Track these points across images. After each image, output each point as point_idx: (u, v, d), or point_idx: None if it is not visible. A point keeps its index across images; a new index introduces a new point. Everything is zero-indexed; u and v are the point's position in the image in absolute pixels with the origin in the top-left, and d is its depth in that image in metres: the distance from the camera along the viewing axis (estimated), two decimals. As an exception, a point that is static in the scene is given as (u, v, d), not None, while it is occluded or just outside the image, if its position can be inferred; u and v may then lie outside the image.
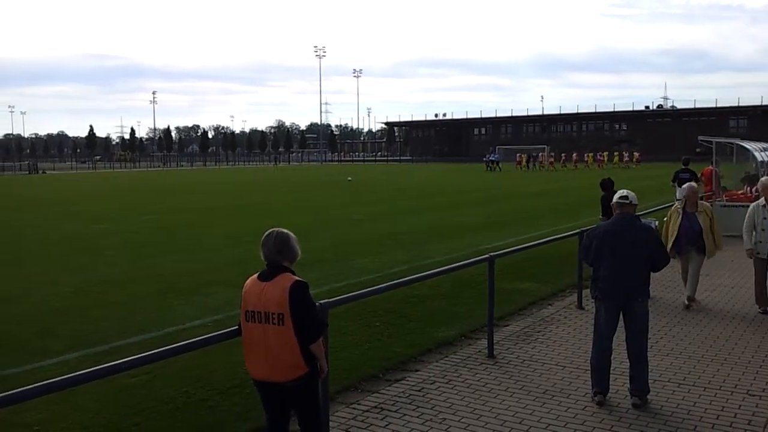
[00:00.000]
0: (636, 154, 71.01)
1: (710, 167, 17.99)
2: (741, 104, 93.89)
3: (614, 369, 6.05)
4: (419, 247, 14.84)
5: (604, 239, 5.87)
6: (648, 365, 5.86)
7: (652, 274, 5.94)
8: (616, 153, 72.24)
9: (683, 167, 17.49)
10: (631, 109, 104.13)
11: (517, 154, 68.39)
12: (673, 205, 9.88)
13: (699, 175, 17.64)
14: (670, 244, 8.97)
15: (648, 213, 12.00)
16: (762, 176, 17.38)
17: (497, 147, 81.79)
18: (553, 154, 72.03)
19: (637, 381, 5.77)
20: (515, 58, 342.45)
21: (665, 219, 9.65)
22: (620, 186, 9.12)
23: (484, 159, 67.33)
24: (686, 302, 9.06)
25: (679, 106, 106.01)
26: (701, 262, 9.20)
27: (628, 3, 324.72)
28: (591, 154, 71.22)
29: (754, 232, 8.69)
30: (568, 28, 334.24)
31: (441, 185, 40.15)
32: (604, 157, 70.11)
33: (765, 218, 8.57)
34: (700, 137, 17.77)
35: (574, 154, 69.60)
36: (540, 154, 70.05)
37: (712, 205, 15.78)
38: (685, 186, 9.50)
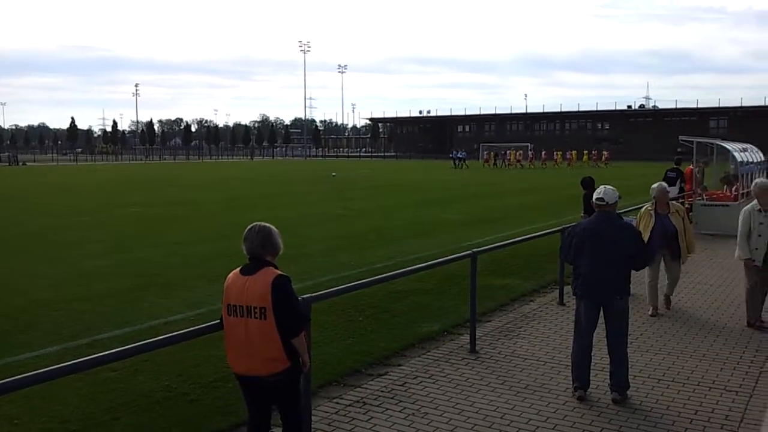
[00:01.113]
0: (605, 153, 70.27)
1: (691, 166, 18.17)
2: (722, 105, 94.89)
3: (595, 365, 6.11)
4: (403, 242, 14.87)
5: (583, 237, 5.92)
6: (628, 361, 5.93)
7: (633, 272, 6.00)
8: (585, 152, 72.03)
9: (674, 166, 17.62)
10: (613, 108, 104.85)
11: (484, 152, 67.75)
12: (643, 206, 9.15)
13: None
14: None
15: (624, 212, 12.09)
16: (740, 176, 17.73)
17: (481, 144, 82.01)
18: (521, 152, 70.42)
19: (617, 377, 5.84)
20: (501, 57, 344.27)
21: (633, 220, 9.35)
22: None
23: (451, 156, 67.35)
24: (655, 312, 8.52)
25: (661, 106, 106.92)
26: (678, 267, 8.83)
27: (614, 3, 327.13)
28: (560, 153, 70.41)
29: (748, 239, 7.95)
30: (555, 27, 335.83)
31: (424, 182, 40.21)
32: (572, 155, 69.77)
33: (761, 223, 7.82)
34: (681, 137, 17.94)
35: (543, 153, 69.21)
36: (507, 151, 69.05)
37: (692, 204, 16.01)
38: (654, 186, 8.81)
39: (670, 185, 16.64)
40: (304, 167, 67.05)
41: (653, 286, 8.63)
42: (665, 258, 8.75)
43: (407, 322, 8.37)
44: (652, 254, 8.39)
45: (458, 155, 63.56)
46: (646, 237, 8.32)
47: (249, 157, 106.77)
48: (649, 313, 8.56)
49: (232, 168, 65.39)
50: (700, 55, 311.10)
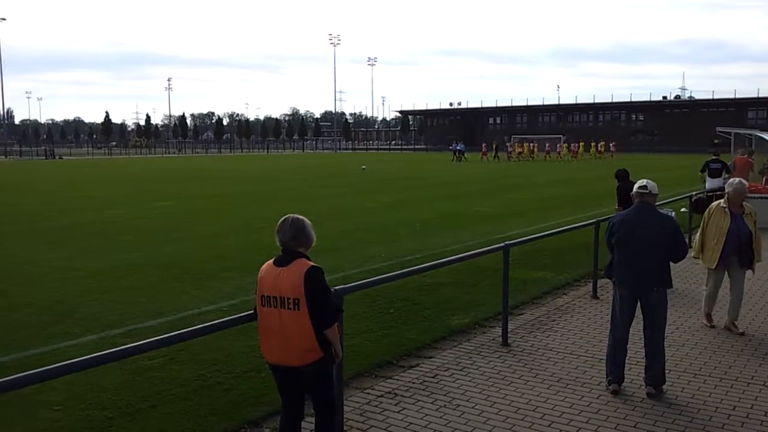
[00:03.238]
0: (612, 144, 68.51)
1: (744, 156, 17.73)
2: (760, 95, 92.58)
3: (630, 358, 6.04)
4: (433, 235, 14.84)
5: (621, 227, 5.85)
6: (664, 355, 5.84)
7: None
8: (593, 143, 70.32)
9: (713, 157, 17.21)
10: (648, 99, 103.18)
11: (483, 144, 66.15)
12: (708, 199, 8.22)
13: (730, 165, 17.35)
14: (717, 254, 7.34)
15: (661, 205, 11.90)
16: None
17: (513, 135, 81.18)
18: (525, 144, 67.57)
19: (652, 370, 5.76)
20: (532, 47, 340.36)
21: (671, 212, 9.03)
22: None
23: (451, 148, 66.42)
24: (712, 322, 7.68)
25: (697, 96, 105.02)
26: (744, 278, 7.60)
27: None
28: (566, 145, 67.96)
29: None
30: (586, 17, 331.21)
31: (453, 174, 40.04)
32: (579, 147, 66.96)
33: None
34: (718, 128, 17.59)
35: (547, 145, 66.66)
36: (508, 144, 66.36)
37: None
38: (733, 181, 7.60)
39: (714, 177, 16.30)
40: (334, 160, 67.23)
41: (713, 295, 7.66)
42: (732, 266, 7.52)
43: (438, 314, 8.36)
44: (724, 261, 7.44)
45: (457, 147, 62.71)
46: (720, 237, 7.32)
47: (265, 151, 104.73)
48: (704, 322, 7.70)
49: (264, 161, 65.87)
50: (737, 43, 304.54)
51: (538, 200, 22.94)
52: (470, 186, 30.11)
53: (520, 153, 64.20)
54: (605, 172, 37.18)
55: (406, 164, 54.91)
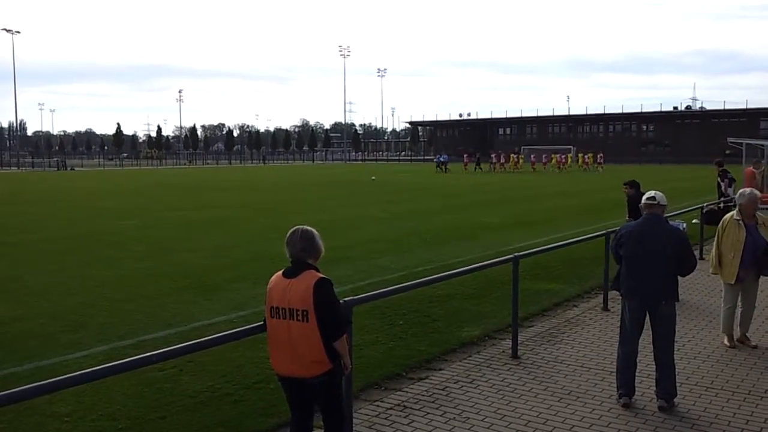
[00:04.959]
0: (600, 156, 67.21)
1: (750, 168, 17.71)
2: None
3: (641, 371, 5.99)
4: (443, 246, 14.82)
5: (629, 238, 5.82)
6: (675, 368, 5.79)
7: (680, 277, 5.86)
8: (580, 155, 69.05)
9: (721, 168, 17.19)
10: (659, 110, 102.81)
11: (465, 155, 65.73)
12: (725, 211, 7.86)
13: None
14: (736, 268, 7.14)
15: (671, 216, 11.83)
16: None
17: (522, 147, 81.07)
18: (511, 155, 66.85)
19: (663, 383, 5.71)
20: (543, 58, 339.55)
21: (681, 224, 8.82)
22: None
23: (435, 160, 66.46)
24: (734, 343, 7.34)
25: (709, 107, 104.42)
26: (758, 289, 7.50)
27: (659, 2, 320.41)
28: (555, 156, 66.76)
29: None
30: (597, 27, 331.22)
31: (462, 185, 40.00)
32: (567, 159, 66.13)
33: None
34: (730, 139, 17.55)
35: (532, 156, 65.85)
36: (493, 155, 65.51)
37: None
38: (744, 191, 7.44)
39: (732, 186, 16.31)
40: (344, 171, 67.36)
41: (731, 312, 7.38)
42: (747, 278, 7.30)
43: (448, 326, 8.33)
44: (743, 275, 7.19)
45: (440, 159, 62.78)
46: (737, 251, 7.13)
47: (261, 162, 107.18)
48: (725, 343, 7.36)
49: (273, 172, 66.11)
50: (750, 54, 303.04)
51: (543, 211, 22.88)
52: (474, 197, 30.06)
53: (504, 164, 63.31)
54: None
55: (415, 175, 54.92)
